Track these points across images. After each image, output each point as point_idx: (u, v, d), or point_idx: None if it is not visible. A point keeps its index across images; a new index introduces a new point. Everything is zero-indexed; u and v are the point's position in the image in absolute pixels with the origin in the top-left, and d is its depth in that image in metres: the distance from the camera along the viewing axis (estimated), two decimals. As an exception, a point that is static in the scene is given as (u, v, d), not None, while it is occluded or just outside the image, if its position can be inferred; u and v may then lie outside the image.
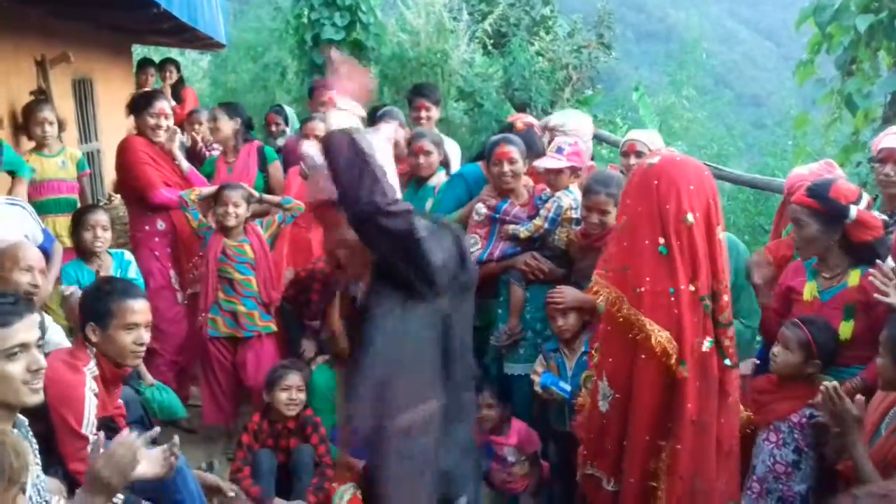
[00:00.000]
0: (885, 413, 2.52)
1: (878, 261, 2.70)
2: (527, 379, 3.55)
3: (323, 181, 2.20)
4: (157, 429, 2.49)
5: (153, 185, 4.41)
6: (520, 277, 3.68)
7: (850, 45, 6.38)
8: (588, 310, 3.26)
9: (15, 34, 5.33)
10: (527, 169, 3.75)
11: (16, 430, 2.12)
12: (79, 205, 4.95)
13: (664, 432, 2.42)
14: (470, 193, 4.02)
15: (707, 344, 2.40)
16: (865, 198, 2.86)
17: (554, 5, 12.62)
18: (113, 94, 7.46)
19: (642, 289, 2.36)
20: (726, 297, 2.47)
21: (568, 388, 3.25)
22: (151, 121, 4.47)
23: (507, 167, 3.67)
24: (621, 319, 2.38)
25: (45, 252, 3.45)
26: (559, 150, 3.67)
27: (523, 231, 3.65)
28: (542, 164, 3.69)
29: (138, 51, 9.94)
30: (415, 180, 4.29)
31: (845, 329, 2.83)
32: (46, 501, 2.12)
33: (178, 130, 4.72)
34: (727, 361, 2.48)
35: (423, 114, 4.93)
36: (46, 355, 2.74)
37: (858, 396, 2.48)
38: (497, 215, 3.73)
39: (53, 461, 2.57)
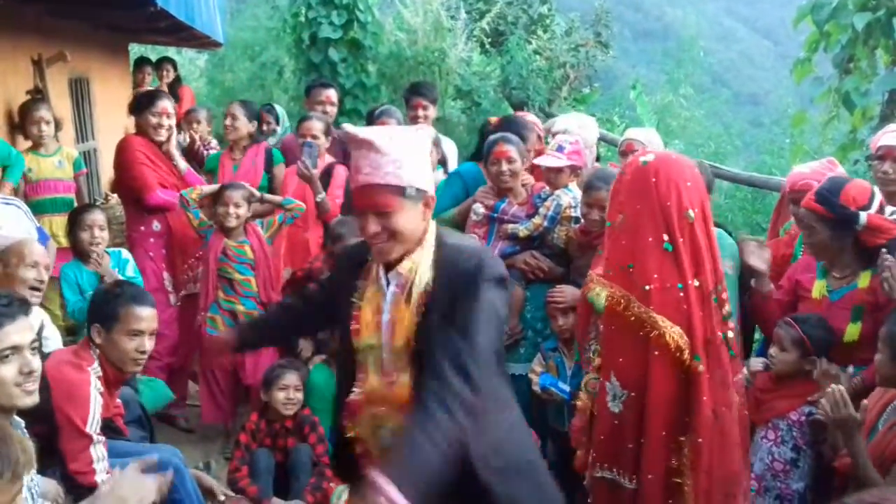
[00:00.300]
0: (883, 410, 2.52)
1: (888, 256, 2.64)
2: (527, 379, 3.55)
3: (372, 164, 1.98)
4: (156, 456, 2.49)
5: (149, 187, 4.39)
6: (519, 277, 3.67)
7: (848, 44, 6.39)
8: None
9: (12, 33, 5.32)
10: (526, 165, 3.74)
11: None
12: (75, 204, 4.94)
13: (682, 427, 2.42)
14: (467, 192, 4.01)
15: (721, 336, 2.42)
16: (878, 198, 2.81)
17: (551, 4, 12.63)
18: (110, 93, 7.45)
19: (650, 286, 2.36)
20: (725, 294, 2.48)
21: (567, 388, 3.25)
22: (153, 120, 4.45)
23: (505, 166, 3.66)
24: (633, 318, 2.36)
25: (40, 251, 3.43)
26: (560, 149, 3.66)
27: (522, 230, 3.64)
28: (542, 162, 3.69)
29: (135, 50, 9.93)
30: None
31: (853, 331, 2.80)
32: (38, 505, 2.13)
33: (176, 130, 4.70)
34: (731, 353, 2.49)
35: (421, 112, 4.92)
36: (46, 355, 2.76)
37: (863, 402, 2.46)
38: (495, 214, 3.72)
39: (52, 462, 2.56)
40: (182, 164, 4.55)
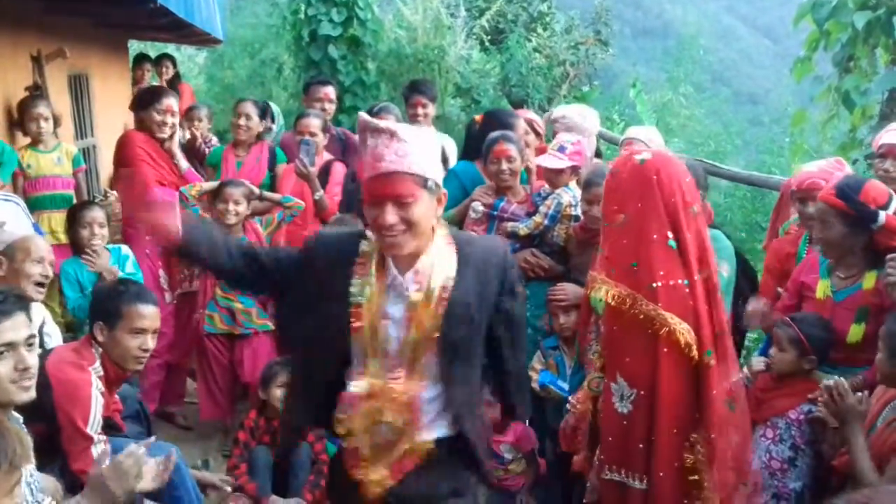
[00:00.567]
0: (883, 408, 2.52)
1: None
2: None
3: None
4: (153, 438, 2.50)
5: (147, 185, 4.38)
6: (519, 275, 3.67)
7: (848, 42, 6.39)
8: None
9: (11, 29, 5.31)
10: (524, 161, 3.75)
11: (10, 428, 2.12)
12: (74, 201, 4.93)
13: (693, 424, 2.43)
14: (464, 191, 4.01)
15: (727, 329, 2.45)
16: (894, 202, 2.78)
17: (551, 1, 12.63)
18: (109, 89, 7.43)
19: (657, 283, 2.36)
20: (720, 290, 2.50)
21: (566, 386, 3.25)
22: (158, 117, 4.44)
23: (505, 165, 3.67)
24: (641, 316, 2.36)
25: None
26: (561, 149, 3.66)
27: (523, 228, 3.64)
28: (543, 162, 3.69)
29: (135, 46, 9.90)
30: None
31: (856, 332, 2.78)
32: (38, 502, 2.12)
33: (178, 129, 4.68)
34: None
35: (420, 110, 4.91)
36: (49, 351, 2.75)
37: (864, 393, 2.47)
38: (495, 213, 3.73)
39: (51, 460, 2.57)
40: (183, 163, 4.54)
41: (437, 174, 2.03)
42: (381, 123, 1.98)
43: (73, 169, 4.97)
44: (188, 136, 5.63)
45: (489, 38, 11.51)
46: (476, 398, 2.21)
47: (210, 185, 4.26)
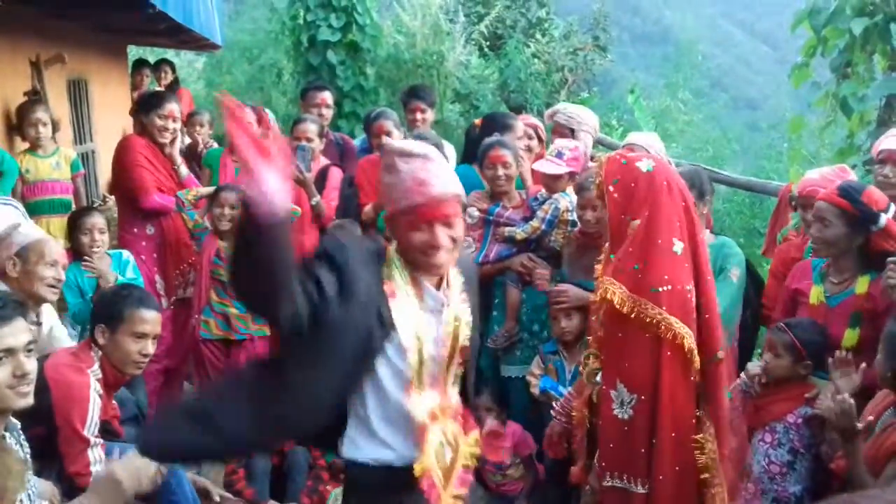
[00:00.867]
0: (883, 412, 2.52)
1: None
2: (524, 380, 3.55)
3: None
4: None
5: (147, 190, 4.37)
6: (516, 279, 3.68)
7: (846, 49, 6.40)
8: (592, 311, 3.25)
9: (10, 34, 5.32)
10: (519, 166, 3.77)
11: (7, 434, 2.11)
12: (73, 206, 4.93)
13: (693, 426, 2.45)
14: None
15: None
16: (893, 207, 2.82)
17: (550, 7, 12.65)
18: (108, 94, 7.45)
19: (662, 288, 2.38)
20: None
21: (566, 392, 3.24)
22: (159, 122, 4.41)
23: (501, 171, 3.68)
24: (647, 320, 2.37)
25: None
26: (559, 155, 3.67)
27: (520, 233, 3.65)
28: (542, 168, 3.69)
29: (134, 52, 9.93)
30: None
31: (851, 336, 2.79)
32: (36, 507, 2.12)
33: (180, 135, 4.66)
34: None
35: (419, 116, 4.91)
36: (47, 355, 2.75)
37: (870, 418, 2.46)
38: (491, 218, 3.73)
39: (49, 464, 2.56)
40: (183, 169, 4.51)
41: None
42: (416, 148, 2.00)
43: (72, 174, 4.98)
44: (188, 141, 5.63)
45: (488, 43, 11.54)
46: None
47: (206, 190, 4.26)
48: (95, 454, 2.64)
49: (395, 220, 2.00)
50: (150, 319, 2.80)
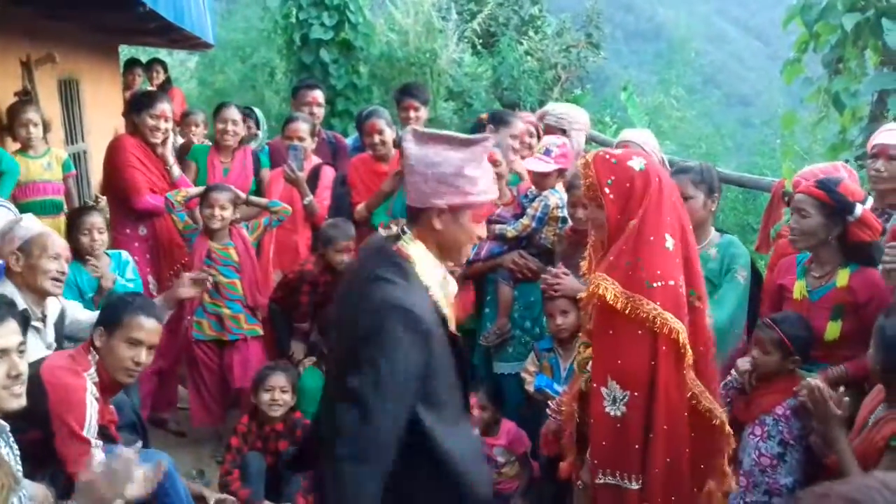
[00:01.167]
0: (875, 408, 2.53)
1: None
2: (517, 378, 3.55)
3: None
4: (140, 443, 2.49)
5: (139, 191, 4.35)
6: (507, 276, 3.68)
7: (837, 44, 6.42)
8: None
9: (0, 35, 5.29)
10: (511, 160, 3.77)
11: (-3, 436, 2.10)
12: (65, 206, 4.91)
13: (684, 421, 2.47)
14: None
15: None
16: (869, 200, 2.93)
17: (542, 4, 12.65)
18: (100, 94, 7.42)
19: (656, 283, 2.39)
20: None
21: (561, 389, 3.24)
22: (151, 122, 4.40)
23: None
24: (644, 315, 2.38)
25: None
26: (547, 153, 3.67)
27: (511, 231, 3.65)
28: (531, 166, 3.69)
29: (125, 51, 9.89)
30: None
31: (833, 329, 2.87)
32: (26, 510, 2.11)
33: (171, 134, 4.64)
34: None
35: (412, 114, 4.89)
36: (43, 358, 2.73)
37: (845, 399, 2.49)
38: (481, 214, 3.73)
39: (44, 466, 2.55)
40: (176, 170, 4.49)
41: None
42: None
43: (63, 174, 4.95)
44: (180, 140, 5.61)
45: (481, 41, 11.53)
46: None
47: (195, 190, 4.23)
48: (96, 456, 2.62)
49: (462, 212, 2.01)
50: (147, 328, 2.78)
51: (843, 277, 2.89)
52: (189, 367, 4.26)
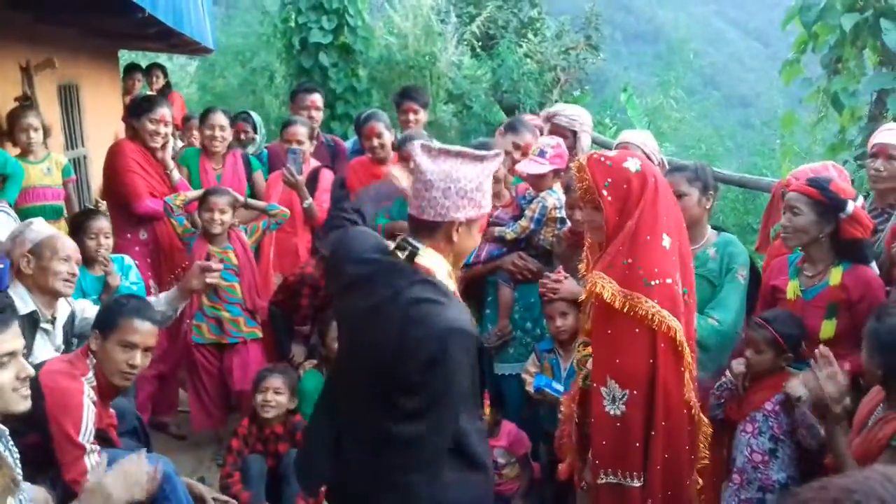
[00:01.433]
0: (877, 406, 2.54)
1: None
2: (517, 379, 3.55)
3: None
4: (144, 450, 2.49)
5: (139, 195, 4.36)
6: (507, 278, 3.69)
7: (836, 44, 6.42)
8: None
9: (0, 39, 5.30)
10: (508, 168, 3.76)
11: (-3, 441, 2.11)
12: (65, 211, 4.92)
13: (686, 416, 2.49)
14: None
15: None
16: (860, 199, 2.95)
17: (541, 7, 12.67)
18: (99, 99, 7.42)
19: (654, 282, 2.40)
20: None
21: (561, 388, 3.25)
22: (150, 126, 4.40)
23: None
24: (642, 313, 2.38)
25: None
26: (542, 154, 3.67)
27: (509, 233, 3.66)
28: (525, 168, 3.69)
29: (125, 56, 9.90)
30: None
31: (828, 327, 2.88)
32: (27, 513, 2.11)
33: (171, 139, 4.64)
34: None
35: (412, 117, 4.91)
36: (42, 363, 2.74)
37: (843, 380, 2.50)
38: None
39: (43, 471, 2.55)
40: (176, 174, 4.50)
41: None
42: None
43: (63, 179, 4.96)
44: (180, 145, 5.62)
45: (480, 44, 11.55)
46: None
47: (194, 194, 4.23)
48: (92, 461, 2.62)
49: (475, 223, 2.10)
50: (142, 331, 2.78)
51: (835, 276, 2.91)
52: (189, 371, 4.27)
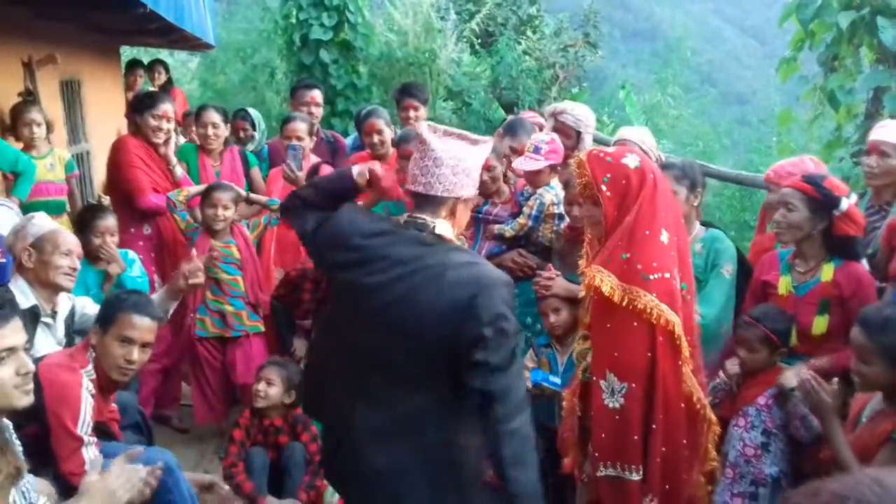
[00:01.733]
0: (867, 403, 2.57)
1: None
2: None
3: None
4: (142, 448, 2.51)
5: (142, 191, 4.38)
6: (507, 275, 3.71)
7: (833, 42, 6.46)
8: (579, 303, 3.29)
9: (1, 35, 5.32)
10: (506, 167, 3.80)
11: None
12: (67, 207, 4.94)
13: (685, 410, 2.52)
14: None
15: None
16: (853, 196, 2.97)
17: (540, 4, 12.67)
18: (101, 95, 7.44)
19: (653, 276, 2.43)
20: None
21: (558, 381, 3.28)
22: (153, 122, 4.42)
23: (485, 175, 3.71)
24: (640, 307, 2.42)
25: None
26: (537, 150, 3.69)
27: (508, 230, 3.70)
28: (520, 165, 3.72)
29: (127, 52, 9.92)
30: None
31: (820, 323, 2.91)
32: (32, 502, 2.14)
33: (174, 135, 4.67)
34: None
35: (412, 113, 4.93)
36: (41, 357, 2.77)
37: (835, 387, 2.54)
38: (480, 215, 3.77)
39: (45, 464, 2.56)
40: (178, 169, 4.52)
41: None
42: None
43: (66, 175, 4.98)
44: (182, 141, 5.64)
45: (479, 41, 11.55)
46: None
47: (197, 189, 4.26)
48: (90, 453, 2.63)
49: (469, 203, 2.26)
50: (140, 326, 2.77)
51: (827, 272, 2.93)
52: (192, 365, 4.30)
